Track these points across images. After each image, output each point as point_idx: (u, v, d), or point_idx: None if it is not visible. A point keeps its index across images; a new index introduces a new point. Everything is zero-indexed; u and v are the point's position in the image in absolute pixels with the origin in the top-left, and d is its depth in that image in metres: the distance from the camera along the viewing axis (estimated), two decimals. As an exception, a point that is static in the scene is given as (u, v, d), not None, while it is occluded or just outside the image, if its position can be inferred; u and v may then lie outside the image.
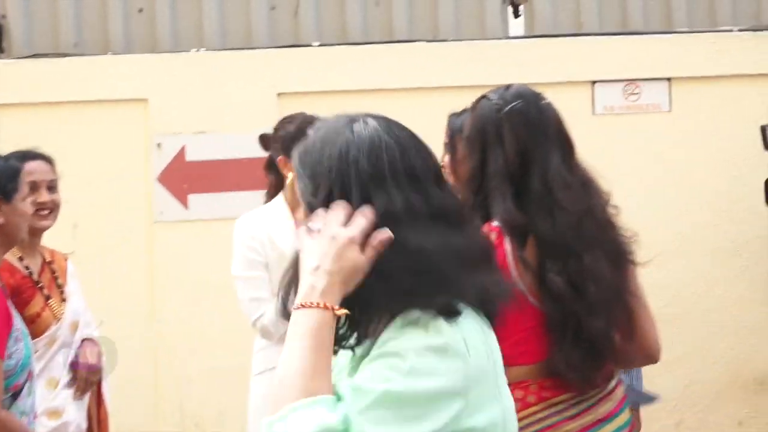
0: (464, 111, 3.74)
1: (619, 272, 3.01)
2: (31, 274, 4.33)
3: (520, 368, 2.94)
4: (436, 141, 2.65)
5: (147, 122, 6.56)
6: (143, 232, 6.50)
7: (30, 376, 3.69)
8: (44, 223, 4.36)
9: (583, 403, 3.00)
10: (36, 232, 4.35)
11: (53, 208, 4.39)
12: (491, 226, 2.96)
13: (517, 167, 3.01)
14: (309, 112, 6.48)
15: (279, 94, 6.60)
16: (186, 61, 6.65)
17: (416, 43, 6.77)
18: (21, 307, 4.13)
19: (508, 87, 3.15)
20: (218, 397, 6.23)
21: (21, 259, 4.33)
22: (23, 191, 3.78)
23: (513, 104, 3.07)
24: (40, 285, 4.33)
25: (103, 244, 6.46)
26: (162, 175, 6.55)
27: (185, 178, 6.51)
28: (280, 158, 4.59)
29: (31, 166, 4.31)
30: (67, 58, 6.68)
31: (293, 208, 4.55)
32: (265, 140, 4.80)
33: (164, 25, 6.80)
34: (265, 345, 4.55)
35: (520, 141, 3.03)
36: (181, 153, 6.53)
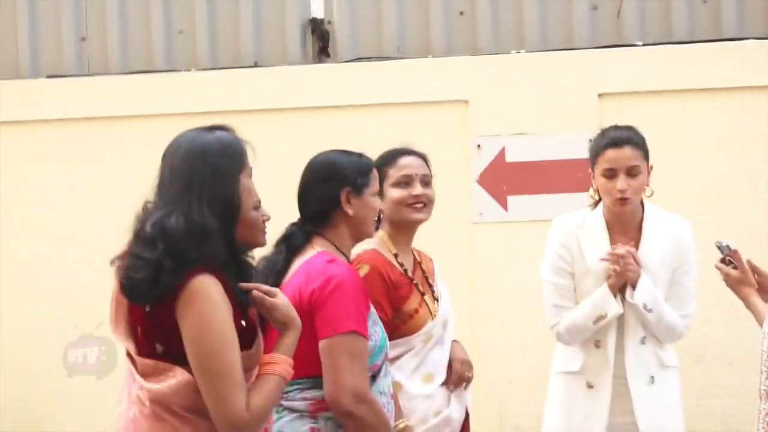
0: None
1: None
2: (406, 271, 4.36)
3: None
4: None
5: (467, 123, 6.60)
6: (463, 232, 6.54)
7: (386, 357, 3.81)
8: (417, 216, 4.38)
9: None
10: (409, 227, 4.41)
11: (427, 203, 4.40)
12: None
13: None
14: (630, 113, 6.41)
15: (600, 95, 6.49)
16: (506, 63, 6.64)
17: (746, 41, 6.51)
18: (399, 303, 4.24)
19: None
20: (537, 400, 6.17)
21: (396, 255, 4.36)
22: (373, 187, 3.87)
23: None
24: (415, 282, 4.37)
25: (423, 243, 6.53)
26: (482, 177, 6.56)
27: (505, 179, 6.51)
28: (589, 172, 4.62)
29: (405, 160, 4.39)
30: (390, 61, 6.80)
31: (611, 223, 4.55)
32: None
33: (485, 27, 6.82)
34: (563, 347, 4.64)
35: None
36: (501, 154, 6.52)
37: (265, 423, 3.20)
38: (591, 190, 4.61)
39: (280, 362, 3.20)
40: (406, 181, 4.34)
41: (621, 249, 4.44)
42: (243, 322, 3.18)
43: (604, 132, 4.59)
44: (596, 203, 4.64)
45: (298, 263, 3.77)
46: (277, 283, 3.70)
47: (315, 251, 3.77)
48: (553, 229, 4.65)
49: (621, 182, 4.42)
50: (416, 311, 4.30)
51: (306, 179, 3.88)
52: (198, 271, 3.10)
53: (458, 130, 6.61)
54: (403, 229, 4.38)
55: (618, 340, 4.56)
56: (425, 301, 4.35)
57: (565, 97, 6.43)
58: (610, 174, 4.44)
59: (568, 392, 4.67)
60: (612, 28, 6.75)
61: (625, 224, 4.57)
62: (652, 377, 4.58)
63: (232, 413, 3.09)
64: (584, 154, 6.05)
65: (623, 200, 4.44)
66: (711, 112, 6.37)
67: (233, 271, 3.20)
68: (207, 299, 3.09)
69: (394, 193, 4.33)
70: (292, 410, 3.68)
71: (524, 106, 6.45)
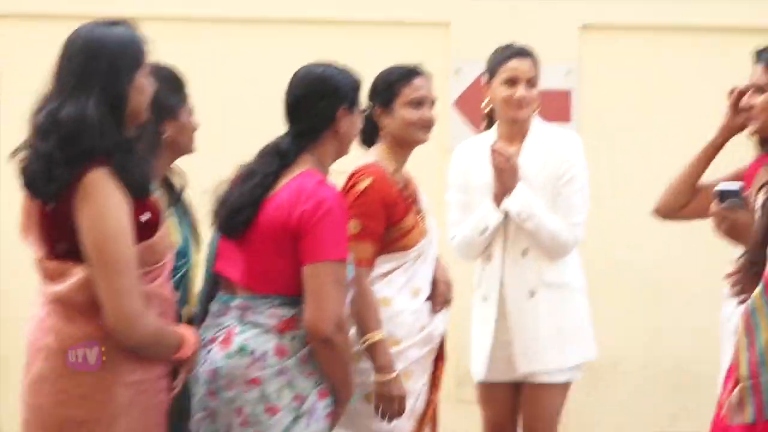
0: None
1: None
2: (403, 187, 4.40)
3: None
4: None
5: (448, 47, 6.55)
6: (437, 156, 6.52)
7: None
8: (426, 137, 4.44)
9: None
10: (411, 147, 4.44)
11: (431, 126, 4.45)
12: None
13: None
14: (612, 47, 6.39)
15: (582, 27, 6.46)
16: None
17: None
18: (396, 218, 4.25)
19: None
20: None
21: (395, 171, 4.39)
22: (361, 105, 3.88)
23: None
24: (411, 200, 4.41)
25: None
26: (458, 101, 6.54)
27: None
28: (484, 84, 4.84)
29: (418, 82, 4.41)
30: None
31: (502, 139, 4.78)
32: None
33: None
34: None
35: None
36: (479, 80, 6.49)
37: (145, 342, 3.25)
38: (483, 103, 4.82)
39: (191, 346, 3.38)
40: (419, 102, 4.37)
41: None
42: (142, 218, 3.24)
43: (504, 46, 4.81)
44: (488, 125, 4.86)
45: (285, 178, 3.73)
46: (263, 196, 3.71)
47: (302, 168, 3.75)
48: (455, 152, 4.90)
49: (521, 90, 4.67)
50: (413, 227, 4.33)
51: (301, 92, 3.83)
52: (93, 164, 3.15)
53: (438, 53, 6.56)
54: (406, 148, 4.41)
55: (503, 252, 4.68)
56: (419, 220, 4.39)
57: (547, 27, 6.39)
58: (512, 82, 4.68)
59: (475, 308, 4.82)
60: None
61: (513, 137, 4.75)
62: (532, 292, 4.65)
63: (125, 305, 3.15)
64: (563, 84, 6.05)
65: (520, 107, 4.68)
66: (695, 50, 6.35)
67: (127, 164, 3.22)
68: (101, 192, 3.16)
69: (407, 113, 4.34)
70: (256, 325, 3.67)
71: (505, 32, 6.38)
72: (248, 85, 6.44)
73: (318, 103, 3.79)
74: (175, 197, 3.99)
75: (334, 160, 3.88)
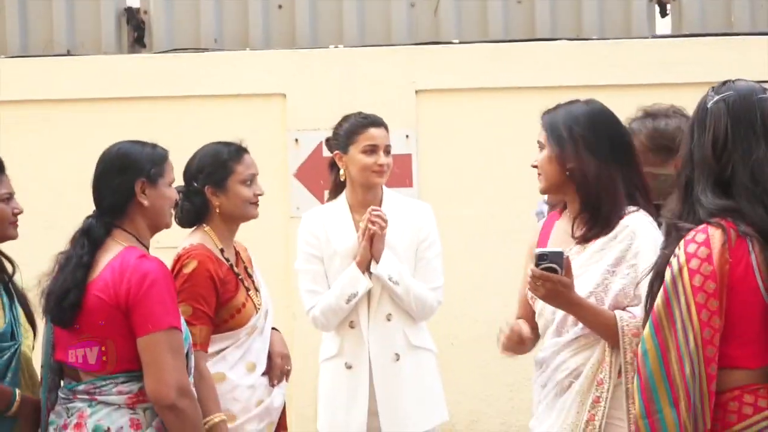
0: (558, 107, 3.80)
1: None
2: (232, 266, 4.40)
3: (744, 371, 2.90)
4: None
5: (285, 117, 6.57)
6: (280, 226, 6.51)
7: (189, 349, 3.87)
8: (256, 213, 4.51)
9: None
10: (238, 224, 4.50)
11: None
12: (699, 227, 2.91)
13: (715, 158, 2.97)
14: (447, 110, 6.48)
15: (417, 92, 6.55)
16: (324, 57, 6.64)
17: (559, 41, 6.65)
18: (226, 298, 4.30)
19: (733, 81, 3.07)
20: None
21: (222, 251, 4.39)
22: (168, 177, 3.88)
23: (721, 95, 3.00)
24: (240, 277, 4.42)
25: (240, 237, 6.47)
26: (299, 171, 6.54)
27: (322, 174, 6.49)
28: (336, 153, 4.85)
29: (249, 159, 4.49)
30: (206, 53, 6.72)
31: (353, 206, 4.82)
32: (328, 141, 4.99)
33: (303, 21, 6.80)
34: (327, 335, 4.86)
35: (722, 132, 2.97)
36: (319, 149, 6.50)
37: None
38: (341, 171, 4.84)
39: None
40: (251, 179, 4.46)
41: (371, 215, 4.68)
42: None
43: (355, 115, 4.87)
44: (334, 196, 4.91)
45: (105, 258, 3.75)
46: (85, 278, 3.71)
47: (121, 246, 3.76)
48: (302, 221, 4.91)
49: (382, 157, 4.75)
50: (243, 305, 4.35)
51: (100, 170, 3.85)
52: None
53: (276, 124, 6.57)
54: (236, 224, 4.47)
55: (367, 318, 4.72)
56: (250, 296, 4.40)
57: (384, 93, 6.45)
58: (371, 150, 4.75)
59: (331, 378, 4.82)
60: (430, 25, 6.81)
61: (367, 205, 4.78)
62: (397, 355, 4.71)
63: None
64: (403, 149, 6.10)
65: (381, 172, 4.76)
66: (524, 109, 6.48)
67: None
68: None
69: (242, 191, 4.41)
70: (107, 404, 3.68)
71: (342, 101, 6.43)
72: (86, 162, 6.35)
73: (115, 178, 3.81)
74: (2, 281, 3.99)
75: (153, 233, 3.90)
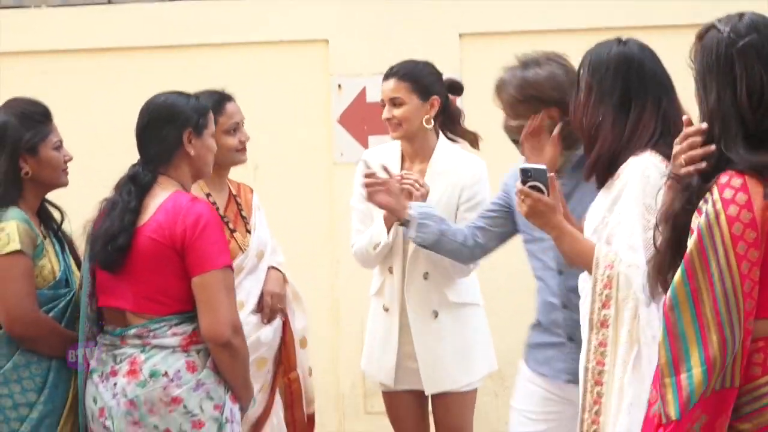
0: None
1: None
2: (217, 209, 4.51)
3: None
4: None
5: (327, 63, 6.53)
6: (324, 173, 6.50)
7: None
8: (244, 158, 4.64)
9: None
10: (225, 168, 4.62)
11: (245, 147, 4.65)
12: (734, 172, 2.73)
13: (750, 110, 2.77)
14: (491, 53, 6.41)
15: (461, 35, 6.49)
16: (366, 2, 6.58)
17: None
18: None
19: (742, 14, 2.87)
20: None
21: (208, 195, 4.53)
22: (211, 128, 3.99)
23: (747, 39, 2.80)
24: (226, 220, 4.53)
25: (284, 184, 6.48)
26: (342, 117, 6.52)
27: (365, 119, 6.47)
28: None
29: (232, 107, 4.60)
30: (249, 0, 6.68)
31: (405, 153, 4.77)
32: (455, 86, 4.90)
33: (344, -33, 6.74)
34: (376, 271, 4.83)
35: (755, 80, 2.77)
36: (362, 94, 6.48)
37: None
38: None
39: None
40: (235, 128, 4.58)
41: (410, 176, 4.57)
42: None
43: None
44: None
45: (153, 203, 3.82)
46: (134, 222, 3.79)
47: (168, 191, 3.84)
48: (362, 158, 4.83)
49: (386, 111, 4.68)
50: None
51: (147, 121, 3.92)
52: None
53: (318, 70, 6.54)
54: (225, 170, 4.61)
55: (404, 269, 4.67)
56: (234, 237, 4.52)
57: (426, 37, 6.40)
58: (383, 103, 4.72)
59: (372, 315, 4.84)
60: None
61: (416, 154, 4.73)
62: (435, 312, 4.65)
63: None
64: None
65: (390, 126, 4.69)
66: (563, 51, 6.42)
67: None
68: None
69: (226, 140, 4.52)
70: (162, 347, 3.75)
71: (385, 46, 6.39)
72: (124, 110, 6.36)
73: (163, 128, 3.89)
74: (53, 229, 4.08)
75: (195, 180, 4.02)
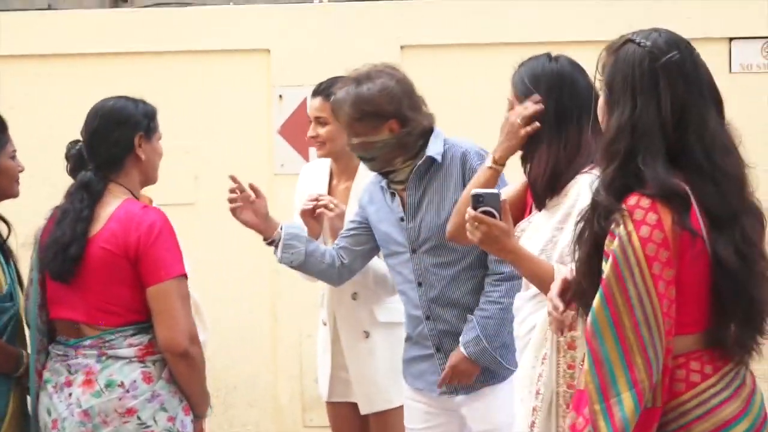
0: (522, 64, 3.60)
1: (762, 238, 2.83)
2: None
3: (688, 337, 2.77)
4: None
5: (269, 73, 6.52)
6: (264, 184, 6.46)
7: None
8: None
9: (736, 380, 2.83)
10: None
11: None
12: (641, 194, 2.71)
13: (671, 127, 2.75)
14: (431, 65, 6.44)
15: (402, 47, 6.50)
16: (309, 12, 6.59)
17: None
18: None
19: (657, 31, 2.84)
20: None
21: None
22: (158, 132, 3.93)
23: (670, 55, 2.77)
24: None
25: (225, 195, 6.44)
26: (283, 128, 6.50)
27: (306, 130, 6.46)
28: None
29: None
30: (190, 8, 6.67)
31: (333, 168, 4.72)
32: None
33: (288, -25, 6.74)
34: None
35: (678, 97, 2.74)
36: (303, 105, 6.47)
37: None
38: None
39: None
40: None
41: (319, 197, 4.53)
42: None
43: None
44: None
45: (104, 211, 3.76)
46: (86, 231, 3.73)
47: (119, 199, 3.79)
48: (302, 172, 4.88)
49: (311, 129, 4.65)
50: None
51: (96, 125, 3.85)
52: None
53: (260, 80, 6.53)
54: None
55: (330, 292, 4.62)
56: None
57: (368, 49, 6.40)
58: (310, 120, 4.69)
59: (319, 329, 4.81)
60: (414, -21, 6.76)
61: (341, 172, 4.69)
62: (366, 333, 4.62)
63: None
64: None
65: (315, 144, 4.67)
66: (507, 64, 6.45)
67: None
68: None
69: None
70: (117, 357, 3.71)
71: (327, 57, 6.40)
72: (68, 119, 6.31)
73: (113, 133, 3.83)
74: None
75: (142, 187, 3.94)
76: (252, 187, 4.35)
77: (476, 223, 3.24)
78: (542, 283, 3.33)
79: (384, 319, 4.61)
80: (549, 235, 3.46)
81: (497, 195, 3.29)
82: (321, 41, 6.49)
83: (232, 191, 4.32)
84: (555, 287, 3.01)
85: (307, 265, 4.33)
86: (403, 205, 4.14)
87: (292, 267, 4.36)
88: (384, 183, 4.20)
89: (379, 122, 4.03)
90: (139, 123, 3.85)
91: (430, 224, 4.02)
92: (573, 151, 3.47)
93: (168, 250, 3.71)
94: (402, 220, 4.14)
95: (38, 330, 3.80)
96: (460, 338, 4.04)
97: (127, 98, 3.92)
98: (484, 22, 6.51)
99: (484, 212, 3.25)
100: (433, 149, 4.08)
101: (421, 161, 4.07)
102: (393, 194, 4.17)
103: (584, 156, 3.46)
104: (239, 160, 6.47)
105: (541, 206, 3.53)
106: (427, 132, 4.13)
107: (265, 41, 6.55)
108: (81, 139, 3.91)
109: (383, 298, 4.61)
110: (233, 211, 4.32)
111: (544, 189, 3.50)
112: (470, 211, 3.26)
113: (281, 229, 4.31)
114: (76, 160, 3.91)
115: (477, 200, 3.27)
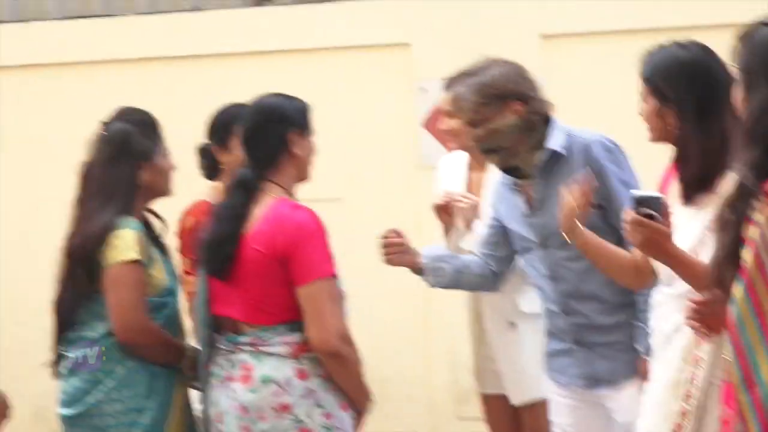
0: (651, 55, 3.52)
1: None
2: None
3: None
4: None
5: (410, 67, 6.54)
6: (408, 176, 6.51)
7: None
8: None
9: None
10: None
11: None
12: None
13: None
14: (572, 54, 6.38)
15: (543, 36, 6.47)
16: (449, 5, 6.58)
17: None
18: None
19: None
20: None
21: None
22: (312, 129, 3.95)
23: None
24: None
25: (369, 188, 6.50)
26: (427, 121, 6.52)
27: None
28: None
29: None
30: (330, 4, 6.72)
31: (471, 163, 4.73)
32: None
33: (428, -31, 6.75)
34: None
35: None
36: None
37: None
38: None
39: None
40: None
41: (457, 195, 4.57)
42: None
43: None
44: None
45: (258, 210, 3.81)
46: (240, 229, 3.79)
47: (271, 197, 3.83)
48: (441, 164, 4.92)
49: (444, 123, 4.70)
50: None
51: (253, 122, 3.90)
52: None
53: (401, 74, 6.56)
54: None
55: None
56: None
57: (508, 39, 6.38)
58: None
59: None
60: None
61: (477, 163, 4.68)
62: (511, 323, 4.61)
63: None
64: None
65: (448, 137, 4.71)
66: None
67: None
68: None
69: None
70: (271, 355, 3.76)
71: (467, 49, 6.36)
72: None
73: (268, 128, 3.86)
74: (155, 238, 4.09)
75: (296, 184, 3.95)
76: (395, 231, 4.29)
77: (638, 227, 3.18)
78: (700, 287, 3.23)
79: (527, 309, 4.59)
80: (698, 235, 3.36)
81: (659, 198, 3.21)
82: (461, 33, 6.49)
83: (388, 245, 4.26)
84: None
85: (459, 282, 4.35)
86: (530, 201, 4.13)
87: (445, 288, 4.37)
88: (509, 180, 4.19)
89: (503, 104, 3.98)
90: (294, 120, 3.88)
91: (557, 218, 4.01)
92: (719, 143, 3.36)
93: (316, 251, 3.73)
94: (529, 215, 4.13)
95: (206, 324, 3.89)
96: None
97: (281, 95, 3.96)
98: (628, 8, 6.40)
99: (646, 215, 3.18)
100: (556, 142, 4.02)
101: (546, 156, 4.01)
102: (519, 191, 4.16)
103: (730, 146, 3.31)
104: (383, 153, 6.52)
105: (688, 200, 3.44)
106: (548, 119, 4.09)
107: (405, 35, 6.57)
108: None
109: (524, 288, 4.58)
110: (388, 260, 4.29)
111: (698, 188, 3.41)
112: (629, 213, 3.19)
113: (424, 256, 4.31)
114: (203, 158, 4.21)
115: (638, 202, 3.19)
